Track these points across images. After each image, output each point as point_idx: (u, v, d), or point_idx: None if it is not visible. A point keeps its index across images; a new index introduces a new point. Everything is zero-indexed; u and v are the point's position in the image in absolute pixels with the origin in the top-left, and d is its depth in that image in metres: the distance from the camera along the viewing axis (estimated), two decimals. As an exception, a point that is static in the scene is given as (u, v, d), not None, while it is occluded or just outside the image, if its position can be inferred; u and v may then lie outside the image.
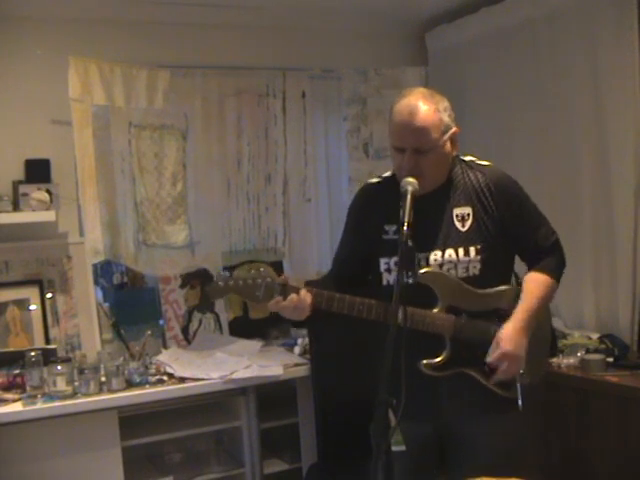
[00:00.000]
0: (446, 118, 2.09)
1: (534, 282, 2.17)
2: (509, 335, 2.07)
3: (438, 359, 2.10)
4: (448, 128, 2.10)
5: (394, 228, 2.15)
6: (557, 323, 3.40)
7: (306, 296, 2.07)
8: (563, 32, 3.36)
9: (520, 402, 2.09)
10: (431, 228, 2.11)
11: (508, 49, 3.67)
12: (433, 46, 4.15)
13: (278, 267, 3.88)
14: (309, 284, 2.18)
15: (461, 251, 2.11)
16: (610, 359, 3.02)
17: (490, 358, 2.08)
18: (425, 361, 2.08)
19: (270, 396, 3.36)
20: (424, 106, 2.06)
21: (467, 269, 2.11)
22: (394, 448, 2.10)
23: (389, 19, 4.00)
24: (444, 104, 2.11)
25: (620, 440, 2.78)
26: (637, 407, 2.71)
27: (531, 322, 2.10)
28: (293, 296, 2.06)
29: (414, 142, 2.05)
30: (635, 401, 2.73)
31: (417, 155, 2.06)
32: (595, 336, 3.23)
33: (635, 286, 3.15)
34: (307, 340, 3.51)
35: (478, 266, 2.11)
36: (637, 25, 3.05)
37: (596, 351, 3.08)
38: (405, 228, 1.91)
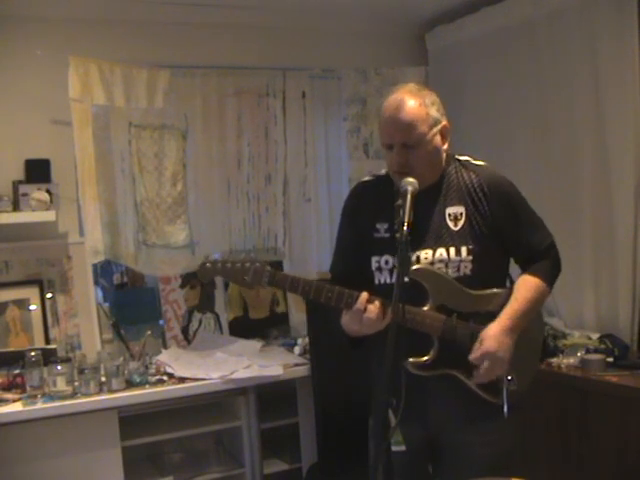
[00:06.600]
0: (434, 112, 2.06)
1: (525, 285, 2.11)
2: (493, 335, 2.00)
3: (425, 358, 2.05)
4: (437, 122, 2.07)
5: (385, 226, 2.13)
6: (557, 323, 3.41)
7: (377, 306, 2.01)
8: (563, 32, 3.36)
9: (505, 409, 2.03)
10: (423, 226, 2.07)
11: (508, 49, 3.67)
12: (433, 46, 4.16)
13: (278, 267, 3.89)
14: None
15: (452, 250, 2.07)
16: (610, 359, 3.01)
17: (472, 356, 2.01)
18: (411, 359, 2.04)
19: (270, 396, 3.36)
20: (410, 101, 2.04)
21: (458, 269, 2.07)
22: (394, 448, 2.09)
23: (389, 19, 4.00)
24: (431, 98, 2.08)
25: (620, 440, 2.77)
26: (637, 407, 2.71)
27: (518, 324, 2.04)
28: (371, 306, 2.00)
29: (400, 137, 2.03)
30: (635, 401, 2.73)
31: (406, 150, 2.04)
32: (595, 336, 3.22)
33: (635, 286, 3.15)
34: (307, 340, 3.51)
35: (470, 266, 2.06)
36: (637, 25, 3.05)
37: (596, 351, 3.08)
38: (405, 228, 1.86)
